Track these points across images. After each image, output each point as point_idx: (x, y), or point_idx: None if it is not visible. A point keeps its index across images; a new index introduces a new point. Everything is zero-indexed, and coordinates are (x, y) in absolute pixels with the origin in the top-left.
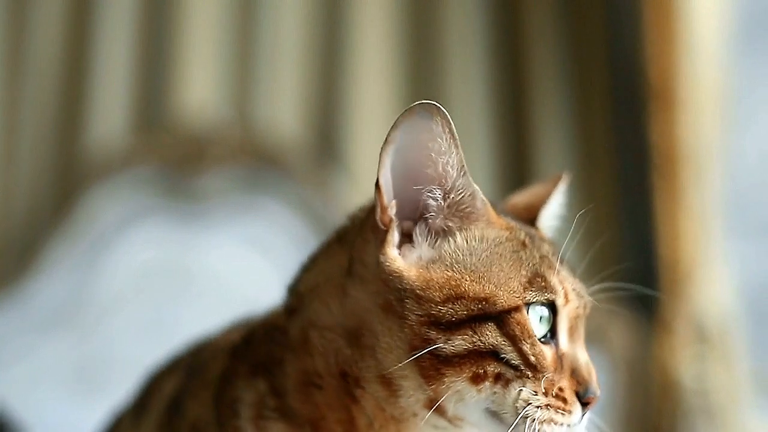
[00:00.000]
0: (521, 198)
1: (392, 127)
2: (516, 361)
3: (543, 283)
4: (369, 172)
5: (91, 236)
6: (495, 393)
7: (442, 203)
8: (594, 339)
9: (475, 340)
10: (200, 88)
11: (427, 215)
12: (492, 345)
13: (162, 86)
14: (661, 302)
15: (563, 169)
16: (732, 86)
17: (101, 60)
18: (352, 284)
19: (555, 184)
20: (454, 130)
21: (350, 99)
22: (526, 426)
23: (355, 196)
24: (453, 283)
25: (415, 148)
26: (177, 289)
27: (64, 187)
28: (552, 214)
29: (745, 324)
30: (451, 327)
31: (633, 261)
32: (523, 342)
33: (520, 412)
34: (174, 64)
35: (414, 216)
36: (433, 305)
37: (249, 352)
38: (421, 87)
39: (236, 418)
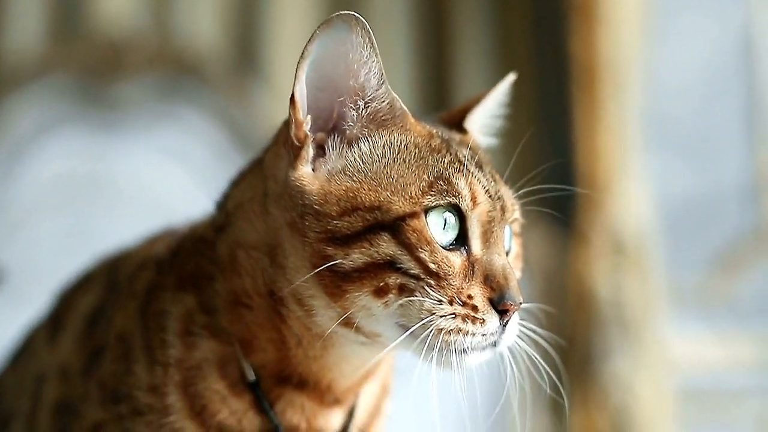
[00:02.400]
0: (462, 104)
1: (309, 40)
2: (415, 270)
3: (445, 187)
4: (288, 82)
5: (7, 145)
6: (401, 306)
7: (361, 113)
8: None
9: (372, 252)
10: None
11: (344, 126)
12: (388, 255)
13: None
14: (579, 214)
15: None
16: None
17: None
18: (269, 202)
19: (496, 86)
20: (374, 40)
21: (270, 8)
22: (430, 336)
23: (274, 106)
24: (350, 194)
25: (334, 60)
26: (94, 198)
27: None
28: (489, 113)
29: (661, 237)
30: (348, 241)
31: (551, 173)
32: (420, 249)
33: (425, 323)
34: None
35: (329, 128)
36: (329, 220)
37: (176, 265)
38: None
39: (163, 332)
